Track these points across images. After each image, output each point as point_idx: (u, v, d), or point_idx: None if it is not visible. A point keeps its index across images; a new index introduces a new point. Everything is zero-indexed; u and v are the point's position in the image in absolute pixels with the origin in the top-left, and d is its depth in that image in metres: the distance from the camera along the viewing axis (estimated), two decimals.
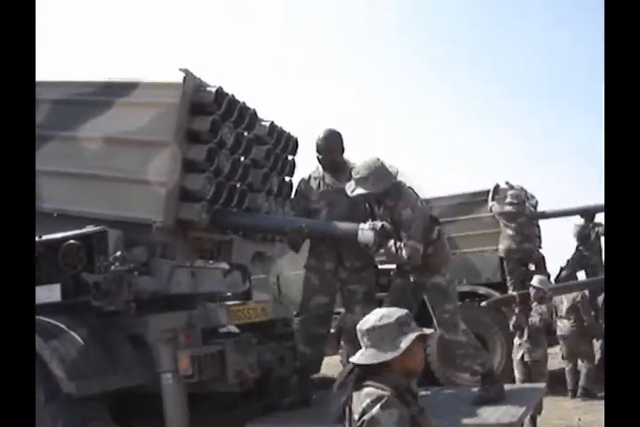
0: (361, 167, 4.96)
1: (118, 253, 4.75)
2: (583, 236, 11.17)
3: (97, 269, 4.77)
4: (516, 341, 7.76)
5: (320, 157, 5.38)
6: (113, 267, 4.69)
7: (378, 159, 4.98)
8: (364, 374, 2.64)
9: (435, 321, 5.13)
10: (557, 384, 8.70)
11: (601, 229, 11.05)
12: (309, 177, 5.50)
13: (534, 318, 7.51)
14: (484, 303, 7.96)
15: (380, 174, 4.91)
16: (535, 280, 7.76)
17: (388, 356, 2.59)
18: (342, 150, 5.42)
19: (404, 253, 4.88)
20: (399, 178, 5.08)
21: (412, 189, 5.14)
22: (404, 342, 2.59)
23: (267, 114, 5.80)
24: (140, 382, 4.74)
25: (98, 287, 4.62)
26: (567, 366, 9.66)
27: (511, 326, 7.81)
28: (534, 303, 7.63)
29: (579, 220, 11.34)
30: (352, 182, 5.02)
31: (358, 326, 2.73)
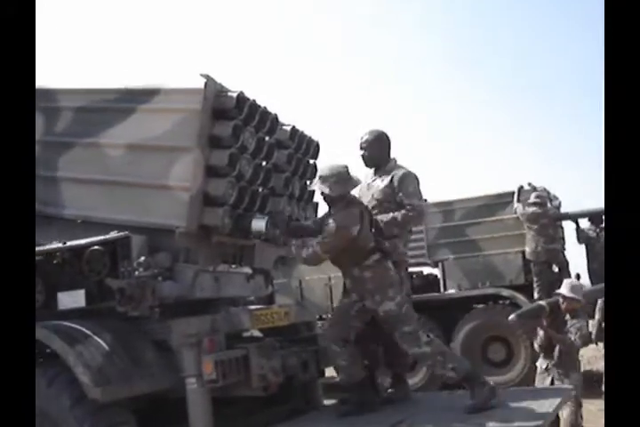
0: (326, 168, 5.13)
1: (142, 258, 4.77)
2: (588, 240, 11.06)
3: (121, 275, 4.78)
4: (541, 363, 6.35)
5: (362, 153, 5.64)
6: (137, 272, 4.71)
7: (345, 166, 5.08)
8: None
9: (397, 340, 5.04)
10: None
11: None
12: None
13: (572, 336, 6.05)
14: (511, 317, 6.53)
15: (340, 179, 5.02)
16: (565, 288, 6.20)
17: None
18: (387, 150, 5.64)
19: (304, 251, 4.96)
20: (358, 192, 5.38)
21: (368, 212, 5.18)
22: None
23: (288, 118, 5.82)
24: (164, 387, 4.74)
25: (122, 293, 4.64)
26: None
27: (536, 346, 6.42)
28: (567, 317, 6.19)
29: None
30: (316, 179, 5.21)
31: None
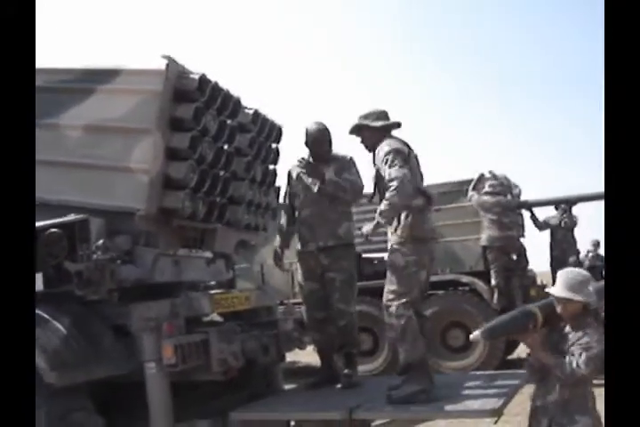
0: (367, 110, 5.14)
1: (100, 241, 4.71)
2: (548, 227, 11.30)
3: (79, 258, 4.72)
4: (536, 399, 3.96)
5: (308, 148, 5.65)
6: (95, 255, 4.65)
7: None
8: None
9: None
10: None
11: (568, 222, 11.25)
12: (295, 164, 5.77)
13: (574, 360, 3.69)
14: (475, 334, 3.95)
15: (380, 115, 5.07)
16: (559, 283, 3.86)
17: None
18: (329, 143, 5.65)
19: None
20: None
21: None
22: None
23: (253, 102, 5.80)
24: (123, 371, 4.71)
25: (80, 276, 4.59)
26: None
27: (528, 372, 4.11)
28: (568, 328, 3.87)
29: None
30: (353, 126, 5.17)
31: None
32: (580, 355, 3.72)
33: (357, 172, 5.61)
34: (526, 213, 11.08)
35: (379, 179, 4.92)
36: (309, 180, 5.57)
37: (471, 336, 3.99)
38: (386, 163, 4.76)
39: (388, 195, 4.67)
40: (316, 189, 5.49)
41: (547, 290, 4.02)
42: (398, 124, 5.10)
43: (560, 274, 3.97)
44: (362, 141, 5.13)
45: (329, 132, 5.64)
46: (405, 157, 4.82)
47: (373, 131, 5.03)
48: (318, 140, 5.59)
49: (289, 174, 5.81)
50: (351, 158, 5.66)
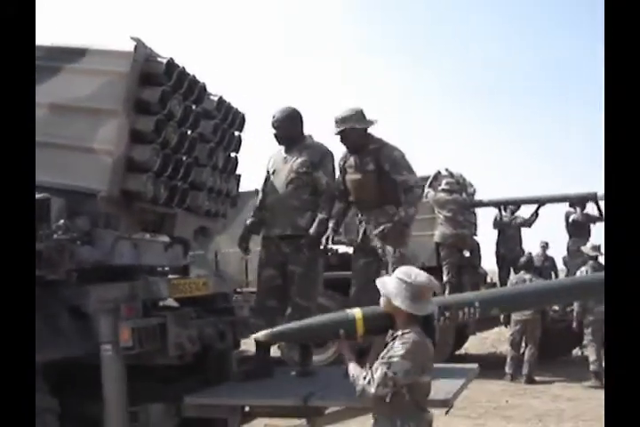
0: (343, 110, 5.24)
1: (61, 221, 4.68)
2: (500, 226, 11.54)
3: (39, 238, 4.67)
4: None
5: (274, 132, 5.49)
6: (55, 235, 4.62)
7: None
8: None
9: None
10: (485, 369, 8.96)
11: (518, 220, 11.49)
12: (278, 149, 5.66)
13: (375, 375, 3.35)
14: (255, 337, 3.92)
15: (362, 115, 5.20)
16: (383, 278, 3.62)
17: None
18: (299, 127, 5.51)
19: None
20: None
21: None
22: None
23: (220, 89, 5.81)
24: (78, 353, 4.66)
25: (39, 256, 4.53)
26: (513, 353, 9.92)
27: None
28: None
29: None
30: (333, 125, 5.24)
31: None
32: (376, 371, 3.34)
33: (333, 170, 5.36)
34: (489, 212, 11.33)
35: (386, 179, 5.17)
36: (279, 165, 5.46)
37: (253, 336, 3.76)
38: (404, 165, 5.17)
39: (412, 201, 5.19)
40: (283, 175, 5.37)
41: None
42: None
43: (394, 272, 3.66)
44: (344, 142, 5.23)
45: (297, 115, 5.47)
46: None
47: (360, 132, 5.17)
48: (283, 121, 5.40)
49: (269, 160, 5.68)
50: (329, 152, 5.42)
